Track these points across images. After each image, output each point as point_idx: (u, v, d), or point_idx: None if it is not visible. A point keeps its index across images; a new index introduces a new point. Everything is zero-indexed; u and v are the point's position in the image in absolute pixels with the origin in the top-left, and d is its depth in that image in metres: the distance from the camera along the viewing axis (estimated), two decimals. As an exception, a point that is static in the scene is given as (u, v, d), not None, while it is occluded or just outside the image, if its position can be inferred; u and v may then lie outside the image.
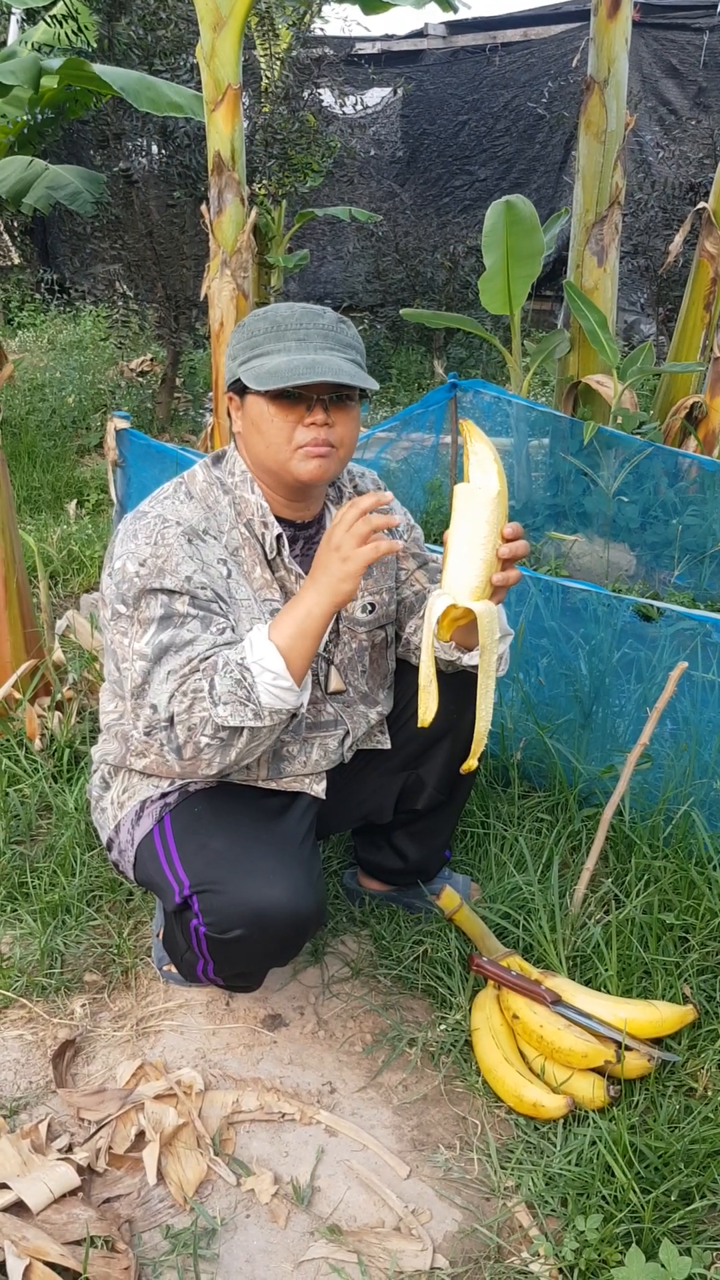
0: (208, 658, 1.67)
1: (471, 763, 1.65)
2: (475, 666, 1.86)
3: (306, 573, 1.85)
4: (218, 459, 1.87)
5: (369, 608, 1.95)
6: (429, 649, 1.57)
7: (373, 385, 1.69)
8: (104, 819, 1.96)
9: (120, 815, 1.91)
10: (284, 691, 1.65)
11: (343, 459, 1.76)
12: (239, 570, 1.79)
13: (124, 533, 1.77)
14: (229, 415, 1.82)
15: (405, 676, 1.99)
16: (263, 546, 1.81)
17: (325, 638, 1.90)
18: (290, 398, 1.69)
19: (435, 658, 1.95)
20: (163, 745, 1.69)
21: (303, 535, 1.89)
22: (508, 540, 1.60)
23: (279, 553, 1.82)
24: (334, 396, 1.71)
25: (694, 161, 6.91)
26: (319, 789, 1.92)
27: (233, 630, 1.74)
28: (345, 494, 1.94)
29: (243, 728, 1.65)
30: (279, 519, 1.85)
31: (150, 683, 1.68)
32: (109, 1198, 1.68)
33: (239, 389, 1.75)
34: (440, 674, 1.73)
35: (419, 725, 1.59)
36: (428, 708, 1.57)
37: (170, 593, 1.69)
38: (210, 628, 1.70)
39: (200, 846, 1.78)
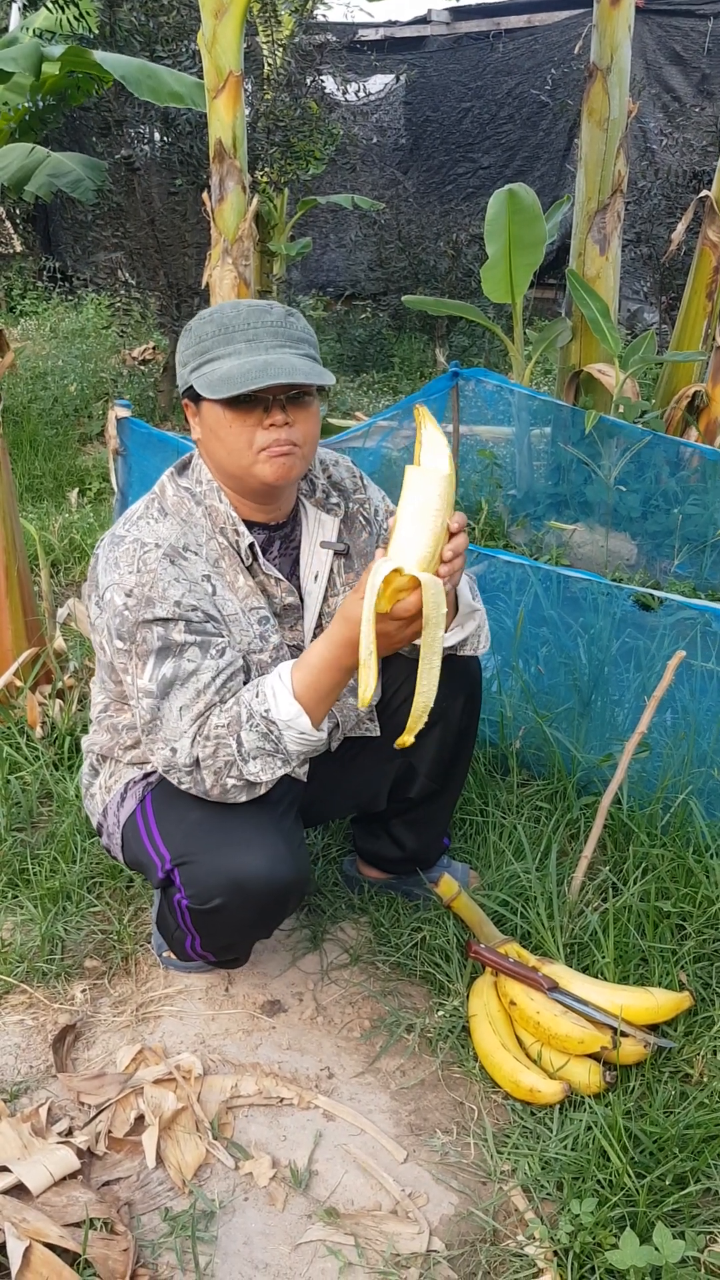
0: (225, 700, 1.70)
1: (406, 739, 1.54)
2: (454, 649, 1.87)
3: (285, 575, 1.87)
4: (182, 468, 1.85)
5: None
6: (370, 621, 1.49)
7: (328, 380, 1.67)
8: (93, 805, 2.00)
9: (108, 799, 1.95)
10: (311, 739, 1.70)
11: (306, 457, 1.74)
12: (223, 583, 1.79)
13: (104, 560, 1.75)
14: (188, 422, 1.80)
15: (391, 664, 1.99)
16: (239, 554, 1.81)
17: (310, 634, 1.92)
18: (247, 401, 1.66)
19: None
20: (185, 785, 1.73)
21: (278, 536, 1.88)
22: (453, 533, 1.56)
23: (255, 560, 1.81)
24: (291, 394, 1.68)
25: (697, 149, 6.88)
26: (300, 771, 1.94)
27: (231, 648, 1.74)
28: (318, 485, 1.93)
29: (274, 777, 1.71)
30: (252, 523, 1.84)
31: (162, 720, 1.70)
32: (108, 1181, 1.69)
33: (194, 396, 1.73)
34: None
35: (359, 705, 1.52)
36: (367, 685, 1.49)
37: (164, 621, 1.69)
38: (210, 651, 1.71)
39: (179, 820, 1.81)
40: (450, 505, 1.53)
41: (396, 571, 1.49)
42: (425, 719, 1.53)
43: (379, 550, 1.55)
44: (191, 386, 1.71)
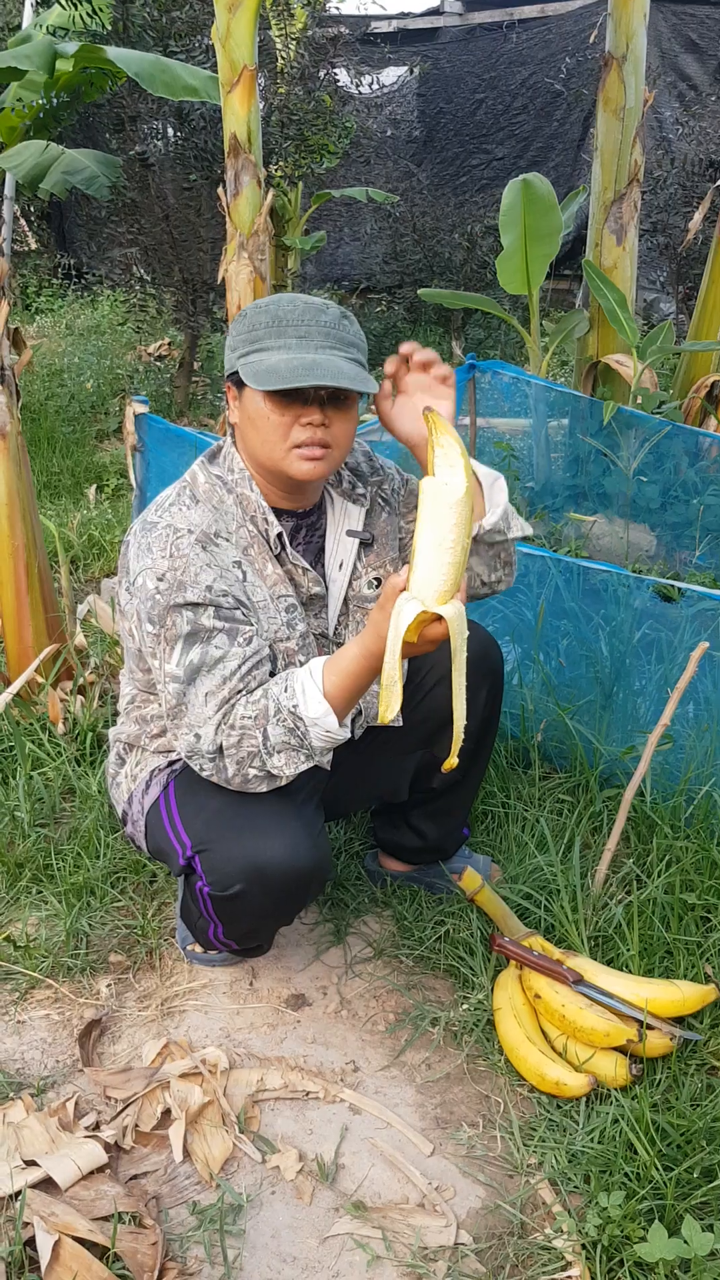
0: (250, 688, 1.70)
1: (452, 760, 1.58)
2: (498, 533, 1.87)
3: (311, 563, 1.88)
4: (213, 456, 1.86)
5: (374, 583, 1.95)
6: (394, 653, 1.51)
7: (372, 388, 1.68)
8: (119, 793, 2.02)
9: (133, 787, 1.97)
10: (336, 737, 1.70)
11: (338, 458, 1.75)
12: (253, 570, 1.80)
13: (136, 546, 1.77)
14: (227, 404, 1.81)
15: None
16: (268, 543, 1.82)
17: (334, 619, 1.92)
18: (287, 396, 1.67)
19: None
20: (207, 772, 1.74)
21: (305, 524, 1.89)
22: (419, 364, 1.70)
23: (283, 548, 1.82)
24: (331, 396, 1.69)
25: (714, 138, 6.83)
26: (324, 760, 1.94)
27: (258, 636, 1.75)
28: (344, 476, 1.93)
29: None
30: (280, 510, 1.85)
31: (188, 705, 1.71)
32: (136, 1174, 1.70)
33: (238, 381, 1.74)
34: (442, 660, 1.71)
35: (378, 722, 1.56)
36: (389, 705, 1.52)
37: (194, 606, 1.70)
38: (237, 638, 1.72)
39: (200, 807, 1.82)
40: (469, 523, 1.51)
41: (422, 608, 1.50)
42: (461, 740, 1.55)
43: (400, 573, 1.53)
44: (236, 371, 1.72)
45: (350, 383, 1.64)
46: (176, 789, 1.89)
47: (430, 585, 1.49)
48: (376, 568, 1.96)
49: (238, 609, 1.74)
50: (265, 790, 1.74)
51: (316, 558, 1.91)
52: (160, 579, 1.70)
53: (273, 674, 1.79)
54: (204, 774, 1.75)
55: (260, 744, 1.68)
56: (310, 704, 1.67)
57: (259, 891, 1.76)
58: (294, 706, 1.67)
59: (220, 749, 1.70)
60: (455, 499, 1.48)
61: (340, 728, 1.69)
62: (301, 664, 1.82)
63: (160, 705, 1.90)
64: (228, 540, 1.78)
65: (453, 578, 1.49)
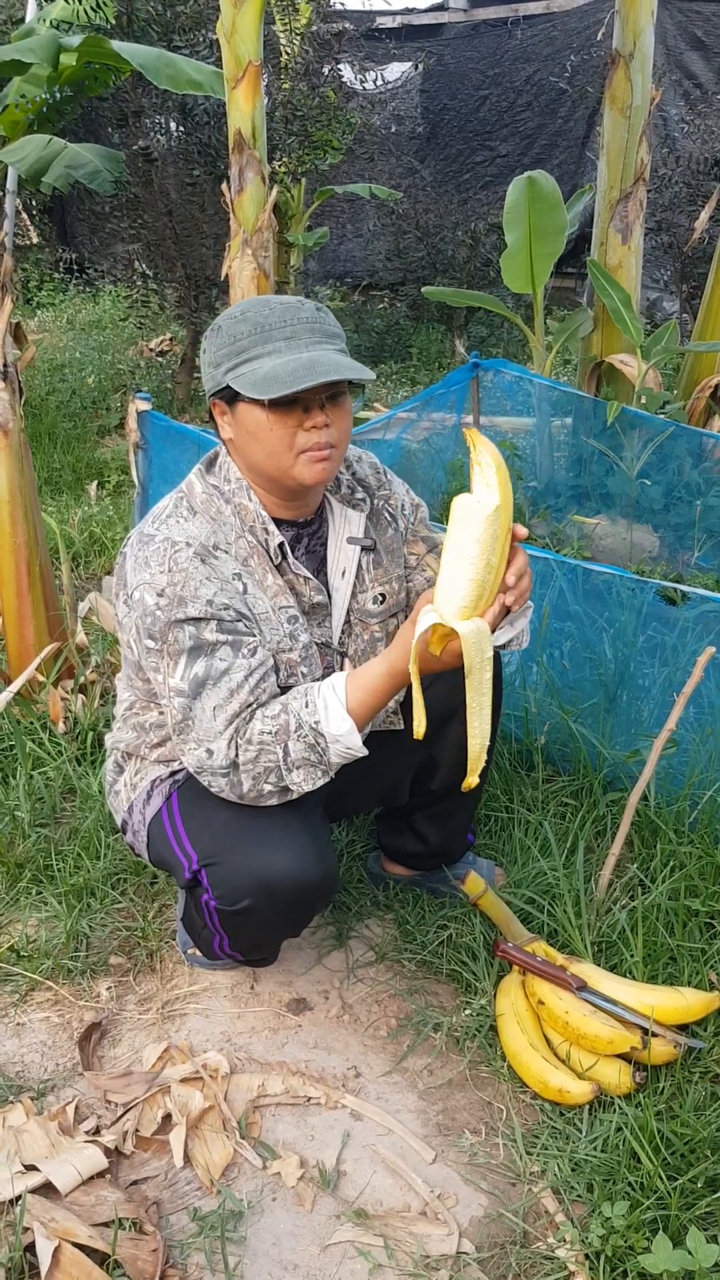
0: (261, 700, 1.69)
1: (472, 779, 1.56)
2: (503, 647, 1.84)
3: (314, 572, 1.86)
4: (210, 464, 1.83)
5: (380, 598, 1.93)
6: (417, 665, 1.50)
7: (370, 376, 1.65)
8: (118, 802, 1.99)
9: (133, 796, 1.94)
10: (356, 754, 1.69)
11: (341, 456, 1.74)
12: (253, 581, 1.77)
13: (134, 560, 1.74)
14: (213, 421, 1.77)
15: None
16: (268, 553, 1.79)
17: (338, 631, 1.90)
18: (288, 402, 1.64)
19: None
20: (217, 788, 1.72)
21: (306, 533, 1.86)
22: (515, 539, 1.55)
23: (284, 559, 1.80)
24: (330, 394, 1.67)
25: (719, 135, 6.82)
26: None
27: (262, 647, 1.73)
28: (343, 481, 1.90)
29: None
30: (280, 521, 1.82)
31: (195, 720, 1.69)
32: (136, 1180, 1.69)
33: (226, 396, 1.70)
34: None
35: (414, 737, 1.53)
36: (420, 720, 1.51)
37: (196, 621, 1.67)
38: (241, 650, 1.69)
39: (206, 820, 1.80)
40: (500, 540, 1.48)
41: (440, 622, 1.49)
42: (483, 760, 1.54)
43: (426, 593, 1.53)
44: (226, 387, 1.68)
45: (353, 373, 1.62)
46: (180, 801, 1.86)
47: (450, 601, 1.48)
48: (383, 583, 1.93)
49: (240, 621, 1.71)
50: (276, 804, 1.73)
51: (319, 567, 1.88)
52: (160, 594, 1.68)
53: (277, 685, 1.78)
54: (214, 789, 1.72)
55: (280, 759, 1.66)
56: (333, 720, 1.65)
57: (267, 906, 1.74)
58: (316, 722, 1.65)
59: (234, 764, 1.68)
60: (483, 516, 1.46)
61: (362, 747, 1.68)
62: (305, 675, 1.81)
63: (159, 714, 1.88)
64: (227, 552, 1.75)
65: (473, 594, 1.48)
